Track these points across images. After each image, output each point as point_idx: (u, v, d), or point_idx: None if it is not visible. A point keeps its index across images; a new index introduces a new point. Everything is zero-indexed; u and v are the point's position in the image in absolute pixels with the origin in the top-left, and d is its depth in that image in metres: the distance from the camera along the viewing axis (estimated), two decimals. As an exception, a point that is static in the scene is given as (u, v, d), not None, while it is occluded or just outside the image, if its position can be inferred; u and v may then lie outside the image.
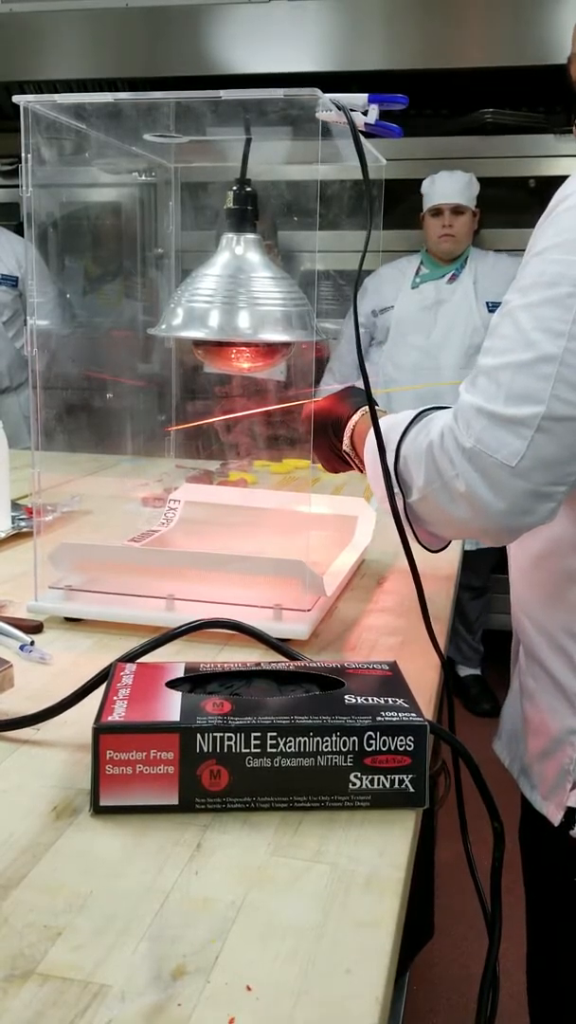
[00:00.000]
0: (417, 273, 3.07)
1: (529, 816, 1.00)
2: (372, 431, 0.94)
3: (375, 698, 0.75)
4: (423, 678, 0.95)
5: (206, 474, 1.83)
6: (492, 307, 2.96)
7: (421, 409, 0.90)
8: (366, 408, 1.05)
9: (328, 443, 1.12)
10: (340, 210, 1.21)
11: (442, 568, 1.31)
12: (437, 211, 2.98)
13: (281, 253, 2.76)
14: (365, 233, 0.91)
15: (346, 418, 1.08)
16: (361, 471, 1.06)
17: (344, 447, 1.08)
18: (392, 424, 0.92)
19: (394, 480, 0.89)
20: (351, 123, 0.96)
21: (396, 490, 0.89)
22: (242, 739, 0.69)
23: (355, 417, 1.07)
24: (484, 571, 3.10)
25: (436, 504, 0.85)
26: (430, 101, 3.40)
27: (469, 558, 3.01)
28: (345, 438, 1.07)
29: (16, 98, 1.02)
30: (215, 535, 1.40)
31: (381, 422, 0.94)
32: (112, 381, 1.58)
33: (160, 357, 1.58)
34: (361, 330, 3.16)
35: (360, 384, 1.05)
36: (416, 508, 0.89)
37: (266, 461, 1.92)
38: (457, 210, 2.95)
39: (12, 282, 3.25)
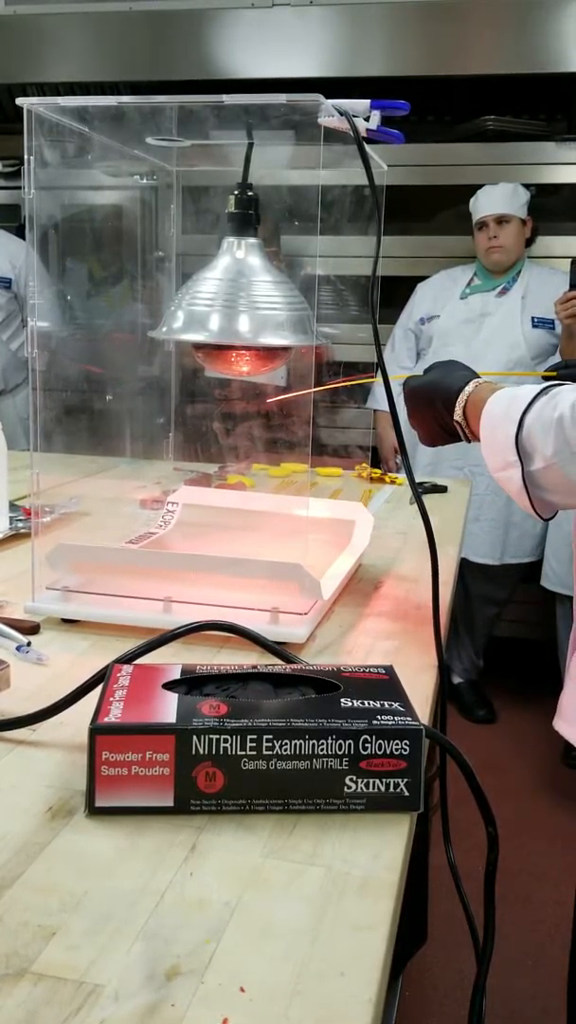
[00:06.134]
0: (469, 284, 3.04)
1: None
2: (490, 402, 1.01)
3: (371, 702, 0.75)
4: (419, 682, 0.96)
5: (204, 477, 1.84)
6: (537, 322, 2.91)
7: (546, 384, 0.96)
8: (479, 380, 1.10)
9: (433, 414, 1.13)
10: (342, 215, 1.22)
11: (441, 573, 1.31)
12: (483, 224, 2.94)
13: (284, 259, 2.76)
14: (365, 238, 0.92)
15: (457, 389, 1.10)
16: (469, 441, 1.11)
17: (456, 417, 1.10)
18: (513, 397, 0.98)
19: (516, 449, 0.94)
20: (354, 129, 0.96)
21: (515, 458, 0.95)
22: (238, 741, 0.69)
23: (468, 388, 1.09)
24: (509, 584, 3.09)
25: (563, 474, 0.91)
26: (432, 108, 3.42)
27: (494, 571, 3.01)
28: (458, 408, 1.09)
29: (20, 100, 1.02)
30: (213, 538, 1.40)
31: (499, 394, 1.01)
32: (111, 383, 1.58)
33: (160, 360, 1.58)
34: (409, 338, 3.17)
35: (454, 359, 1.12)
36: (538, 477, 0.94)
37: (264, 465, 1.93)
38: (502, 220, 2.91)
39: (6, 284, 3.21)
